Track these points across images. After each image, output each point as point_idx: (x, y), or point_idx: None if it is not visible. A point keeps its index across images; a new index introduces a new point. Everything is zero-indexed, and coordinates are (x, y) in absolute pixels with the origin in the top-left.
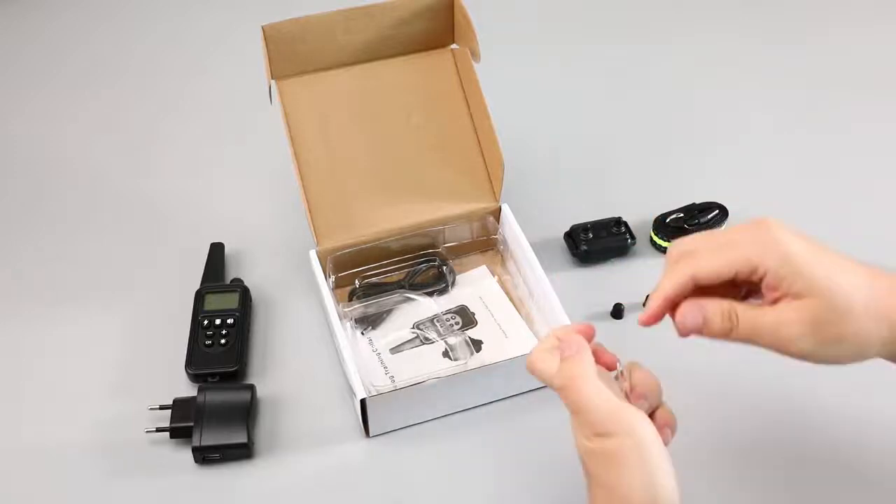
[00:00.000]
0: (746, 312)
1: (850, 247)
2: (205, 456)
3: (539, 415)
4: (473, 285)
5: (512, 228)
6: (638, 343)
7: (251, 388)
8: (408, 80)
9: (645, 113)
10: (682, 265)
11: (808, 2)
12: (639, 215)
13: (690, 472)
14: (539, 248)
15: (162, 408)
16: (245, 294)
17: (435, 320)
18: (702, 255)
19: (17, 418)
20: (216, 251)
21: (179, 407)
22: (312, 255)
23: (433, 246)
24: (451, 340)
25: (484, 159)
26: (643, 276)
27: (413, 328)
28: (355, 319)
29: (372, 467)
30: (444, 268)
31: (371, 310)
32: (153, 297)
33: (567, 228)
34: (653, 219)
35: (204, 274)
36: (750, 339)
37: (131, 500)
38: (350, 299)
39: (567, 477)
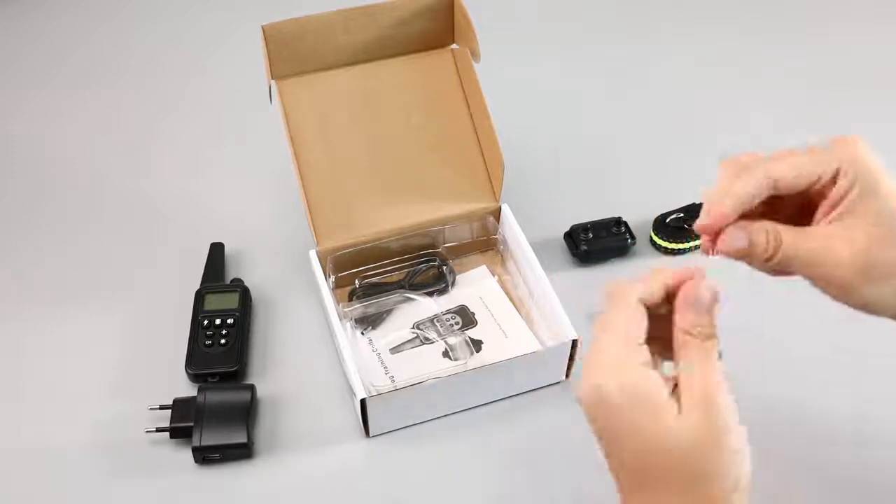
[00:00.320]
0: (790, 232)
1: None
2: (205, 456)
3: (539, 415)
4: (473, 285)
5: (512, 228)
6: None
7: (251, 388)
8: (408, 80)
9: (645, 113)
10: (755, 169)
11: (808, 2)
12: (639, 215)
13: None
14: (539, 248)
15: (162, 408)
16: (245, 294)
17: (435, 320)
18: (774, 158)
19: (17, 418)
20: (216, 251)
21: (179, 407)
22: (312, 255)
23: (433, 246)
24: (451, 340)
25: (484, 159)
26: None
27: (413, 328)
28: (355, 319)
29: (372, 467)
30: (444, 268)
31: (371, 310)
32: (153, 297)
33: (567, 228)
34: (653, 219)
35: (204, 274)
36: (792, 264)
37: (131, 500)
38: (350, 299)
39: (567, 477)
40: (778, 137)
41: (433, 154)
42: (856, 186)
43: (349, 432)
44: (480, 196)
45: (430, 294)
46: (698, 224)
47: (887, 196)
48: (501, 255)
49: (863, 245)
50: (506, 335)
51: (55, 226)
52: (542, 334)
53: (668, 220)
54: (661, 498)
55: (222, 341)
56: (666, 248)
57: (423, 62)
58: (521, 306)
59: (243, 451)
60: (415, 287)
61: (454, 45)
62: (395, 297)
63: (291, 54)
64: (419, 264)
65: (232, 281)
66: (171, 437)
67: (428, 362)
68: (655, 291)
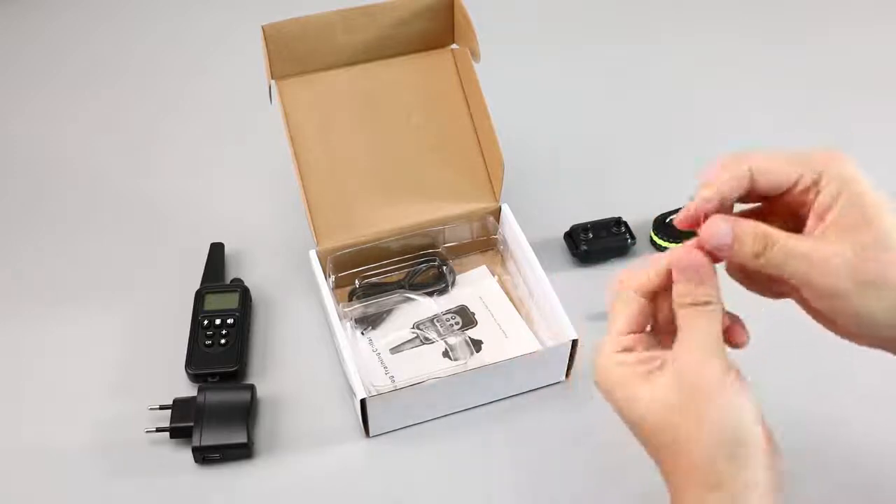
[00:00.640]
0: (781, 235)
1: None
2: (205, 456)
3: (539, 415)
4: (473, 285)
5: (512, 228)
6: None
7: (251, 388)
8: (408, 80)
9: (645, 113)
10: (738, 159)
11: (808, 2)
12: (639, 215)
13: None
14: (539, 248)
15: (162, 408)
16: (245, 294)
17: (435, 320)
18: (760, 153)
19: (17, 418)
20: (216, 251)
21: (179, 407)
22: (312, 255)
23: (433, 246)
24: (451, 340)
25: (484, 159)
26: None
27: (413, 328)
28: (355, 319)
29: (372, 467)
30: (444, 268)
31: (371, 310)
32: (153, 297)
33: (567, 228)
34: (653, 219)
35: (204, 274)
36: (781, 268)
37: (131, 500)
38: (350, 299)
39: (567, 477)
40: (778, 137)
41: (433, 154)
42: (840, 198)
43: (349, 432)
44: (480, 196)
45: (430, 294)
46: (678, 219)
47: (873, 196)
48: (501, 255)
49: (854, 248)
50: (506, 335)
51: (55, 226)
52: (542, 334)
53: (668, 220)
54: (666, 468)
55: (222, 341)
56: (666, 248)
57: (423, 62)
58: (521, 306)
59: (243, 451)
60: (415, 287)
61: (454, 45)
62: (395, 297)
63: (291, 54)
64: (419, 264)
65: (232, 281)
66: (171, 437)
67: (428, 362)
68: (652, 277)
